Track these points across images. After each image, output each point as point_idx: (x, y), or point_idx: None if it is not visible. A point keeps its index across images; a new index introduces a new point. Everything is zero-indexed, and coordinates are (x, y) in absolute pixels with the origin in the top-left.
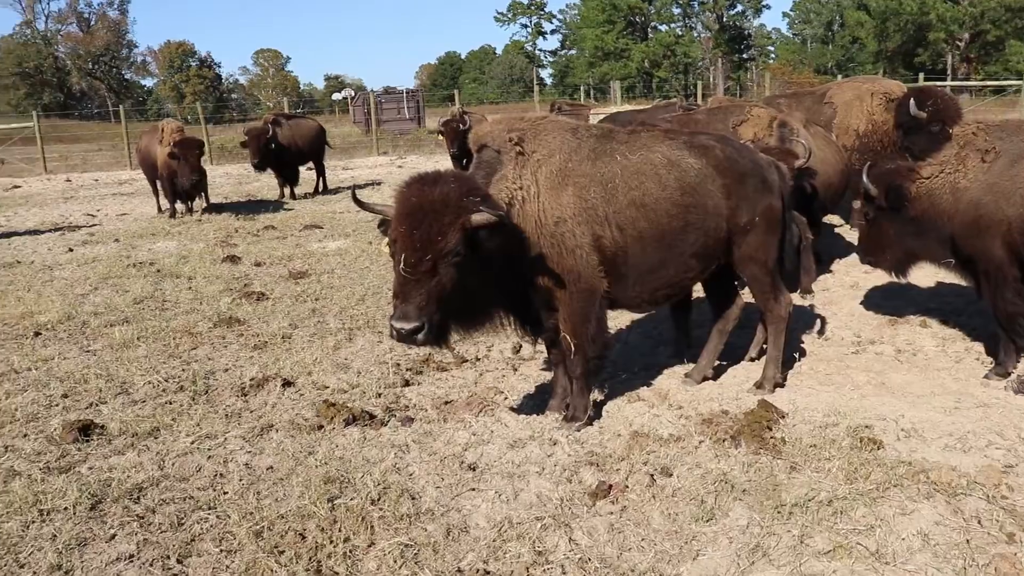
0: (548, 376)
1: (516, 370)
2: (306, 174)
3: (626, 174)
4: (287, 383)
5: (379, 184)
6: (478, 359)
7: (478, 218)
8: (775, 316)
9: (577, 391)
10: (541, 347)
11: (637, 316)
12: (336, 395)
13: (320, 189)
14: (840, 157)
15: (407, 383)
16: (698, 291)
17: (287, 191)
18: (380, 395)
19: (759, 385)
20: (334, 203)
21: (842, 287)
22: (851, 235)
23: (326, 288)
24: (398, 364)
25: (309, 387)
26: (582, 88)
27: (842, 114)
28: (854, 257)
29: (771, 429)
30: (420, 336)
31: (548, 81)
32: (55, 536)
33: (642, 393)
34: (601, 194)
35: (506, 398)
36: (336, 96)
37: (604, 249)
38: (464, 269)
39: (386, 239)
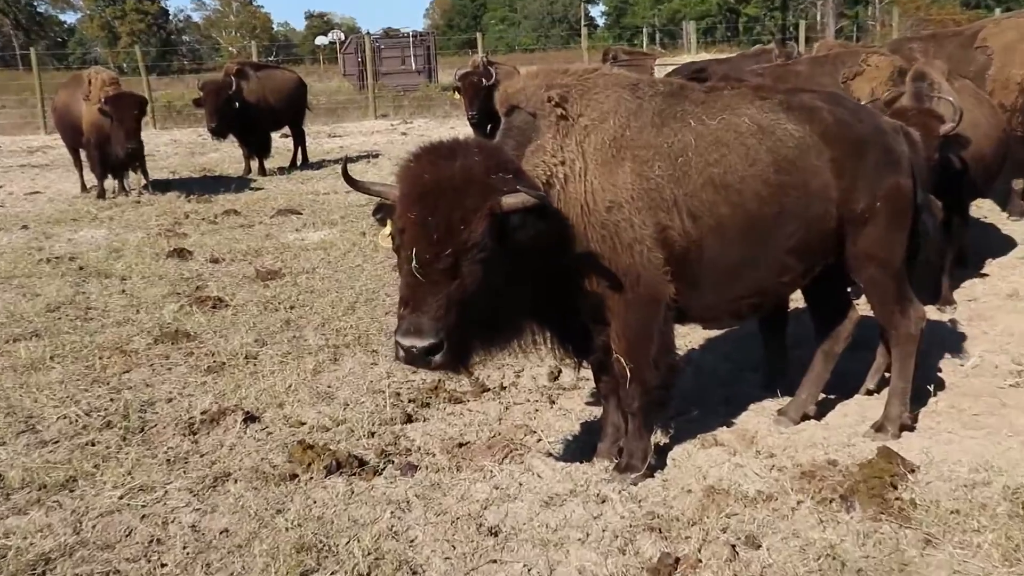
0: (595, 411)
1: (553, 403)
2: (280, 142)
3: (702, 145)
4: (250, 418)
5: (376, 157)
6: (503, 388)
7: (510, 201)
8: (902, 335)
9: (634, 432)
10: (587, 373)
11: (714, 333)
12: (315, 434)
13: (298, 162)
14: (996, 120)
15: (409, 419)
16: (797, 299)
17: (255, 164)
18: (374, 434)
19: (879, 427)
20: (317, 181)
21: (996, 297)
22: (1009, 226)
23: (304, 293)
24: (398, 394)
25: (280, 423)
26: (644, 31)
27: (1000, 62)
28: (1014, 256)
29: (896, 487)
30: (437, 357)
31: (600, 22)
32: None
33: (720, 435)
34: (669, 171)
35: (540, 440)
36: (321, 40)
37: (671, 243)
38: (490, 269)
39: (386, 229)
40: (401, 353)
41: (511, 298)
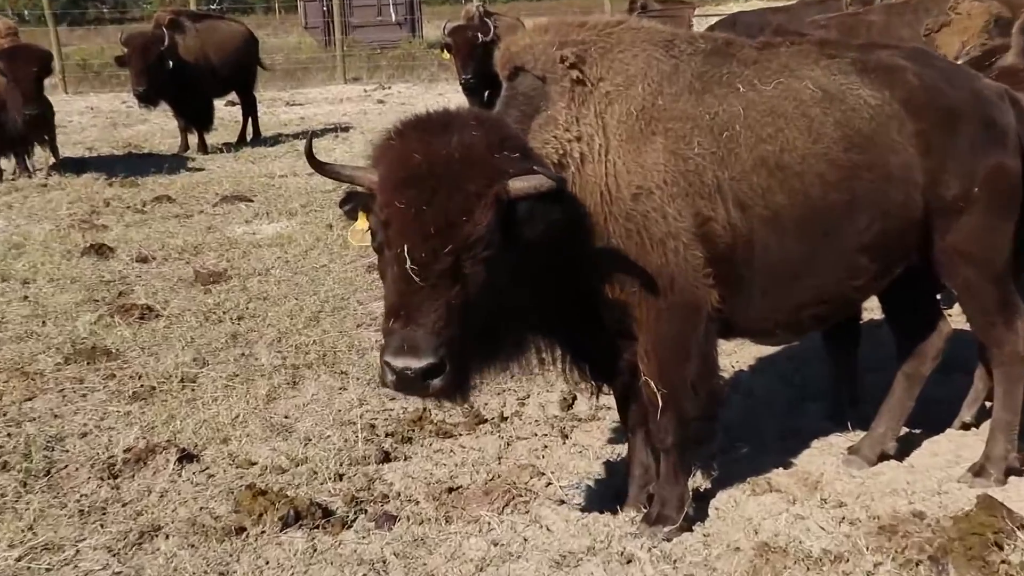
0: (618, 448)
1: (566, 437)
2: (225, 112)
3: (754, 116)
4: (187, 456)
5: (347, 131)
6: (504, 418)
7: (521, 185)
8: (1007, 354)
9: (668, 474)
10: (608, 400)
11: (768, 350)
12: (269, 477)
13: (248, 137)
14: None
15: (387, 457)
16: (873, 308)
17: (193, 139)
18: (342, 477)
19: (979, 471)
20: (271, 160)
21: None
22: None
23: (256, 300)
24: (372, 426)
25: (224, 463)
26: None
27: None
28: None
29: (1001, 547)
30: (437, 381)
31: None
32: None
33: (776, 479)
34: (711, 149)
35: (549, 483)
36: None
37: (714, 239)
38: (495, 270)
39: (358, 223)
40: (391, 377)
41: (515, 307)
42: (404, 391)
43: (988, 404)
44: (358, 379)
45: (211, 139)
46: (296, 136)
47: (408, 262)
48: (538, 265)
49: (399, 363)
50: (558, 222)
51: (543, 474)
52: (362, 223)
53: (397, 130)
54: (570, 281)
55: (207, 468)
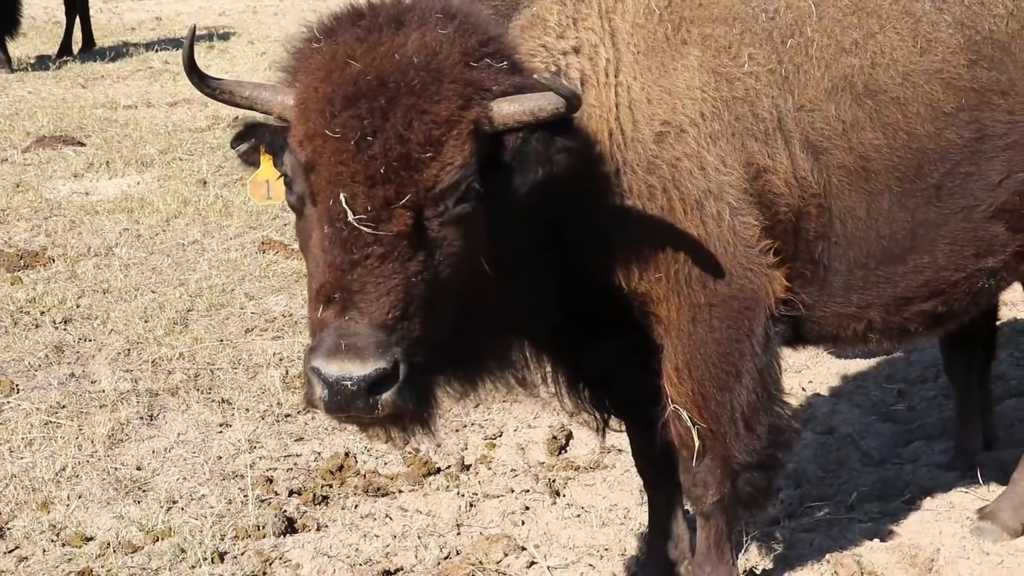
0: (634, 511)
1: (558, 495)
2: (40, 6)
3: (831, 15)
4: None
5: (227, 37)
6: (466, 467)
7: (510, 110)
8: None
9: (707, 549)
10: (618, 440)
11: (855, 365)
12: (112, 559)
13: (75, 46)
14: None
15: (291, 526)
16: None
17: None
18: (224, 556)
19: None
20: (112, 83)
21: None
22: None
23: (92, 294)
24: (269, 479)
25: (43, 539)
26: None
27: None
28: None
29: None
30: (389, 395)
31: None
32: None
33: (870, 556)
34: (768, 66)
35: (533, 563)
36: None
37: (775, 199)
38: (473, 237)
39: (260, 171)
40: (322, 392)
41: (491, 294)
42: (341, 414)
43: None
44: (247, 411)
45: (17, 49)
46: (150, 46)
47: (348, 218)
48: (524, 236)
49: (333, 370)
50: (563, 167)
51: (523, 549)
52: (267, 170)
53: (325, 27)
54: (566, 261)
55: (17, 547)
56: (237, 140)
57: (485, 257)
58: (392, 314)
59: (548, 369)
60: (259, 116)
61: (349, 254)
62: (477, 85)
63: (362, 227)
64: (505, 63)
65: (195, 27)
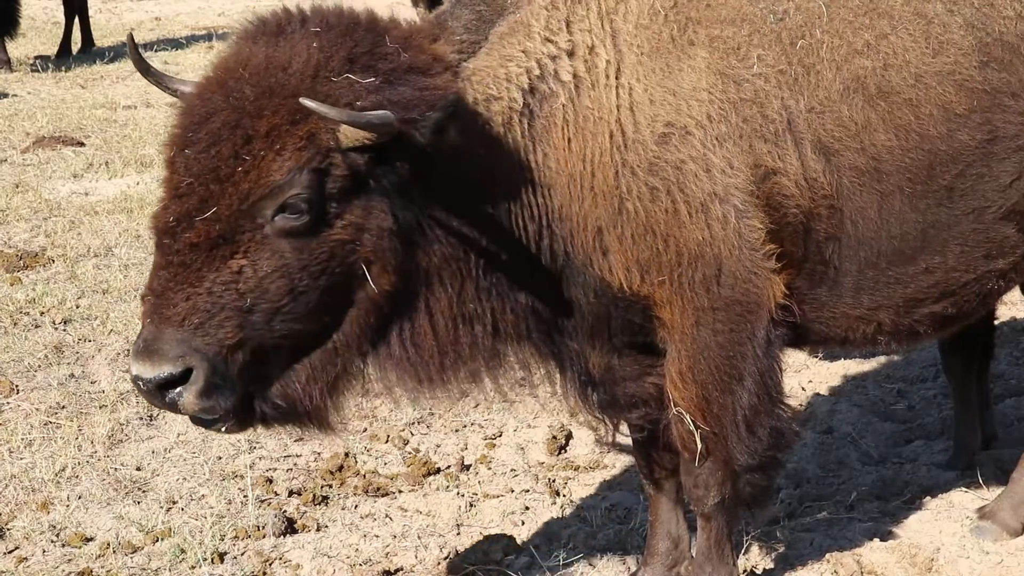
0: (631, 506)
1: (558, 494)
2: (39, 7)
3: (842, 16)
4: None
5: (226, 37)
6: (466, 467)
7: (351, 130)
8: None
9: (708, 549)
10: (618, 440)
11: (856, 366)
12: (112, 560)
13: (75, 46)
14: None
15: (291, 526)
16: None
17: None
18: (224, 557)
19: None
20: (112, 83)
21: None
22: None
23: (92, 294)
24: (268, 480)
25: (44, 540)
26: None
27: None
28: None
29: None
30: (190, 396)
31: None
32: None
33: (870, 556)
34: (778, 67)
35: (533, 563)
36: None
37: (784, 201)
38: (316, 250)
39: None
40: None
41: (408, 304)
42: (155, 407)
43: None
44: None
45: (17, 50)
46: (149, 46)
47: (154, 224)
48: (494, 234)
49: (133, 369)
50: (485, 178)
51: (523, 549)
52: None
53: (239, 32)
54: (561, 264)
55: (17, 548)
56: None
57: (385, 265)
58: (189, 321)
59: (552, 365)
60: None
61: (157, 260)
62: (328, 95)
63: (162, 238)
64: (375, 78)
65: (133, 33)
